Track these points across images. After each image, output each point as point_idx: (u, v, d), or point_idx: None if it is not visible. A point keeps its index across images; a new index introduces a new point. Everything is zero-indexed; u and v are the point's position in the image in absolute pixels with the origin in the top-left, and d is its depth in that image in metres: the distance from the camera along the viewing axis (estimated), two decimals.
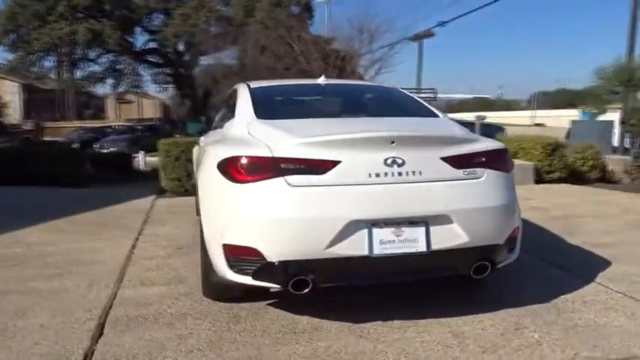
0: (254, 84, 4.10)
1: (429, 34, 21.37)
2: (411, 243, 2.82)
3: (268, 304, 3.38)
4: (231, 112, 4.10)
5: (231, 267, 2.88)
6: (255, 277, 2.83)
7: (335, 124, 3.37)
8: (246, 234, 2.80)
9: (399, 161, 2.85)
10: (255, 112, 3.44)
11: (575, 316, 3.19)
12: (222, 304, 3.40)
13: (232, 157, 2.89)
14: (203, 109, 24.50)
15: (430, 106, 3.86)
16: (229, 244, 2.85)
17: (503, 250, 3.08)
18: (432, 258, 2.86)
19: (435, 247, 2.84)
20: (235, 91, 4.17)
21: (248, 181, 2.81)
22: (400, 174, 2.85)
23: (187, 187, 8.37)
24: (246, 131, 3.23)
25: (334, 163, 2.79)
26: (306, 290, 2.80)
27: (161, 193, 8.62)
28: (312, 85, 4.23)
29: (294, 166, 2.78)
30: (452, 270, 3.03)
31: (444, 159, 2.95)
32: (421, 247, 2.83)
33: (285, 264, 2.74)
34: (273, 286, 2.84)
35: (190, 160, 8.33)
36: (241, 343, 2.85)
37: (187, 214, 6.59)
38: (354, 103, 4.17)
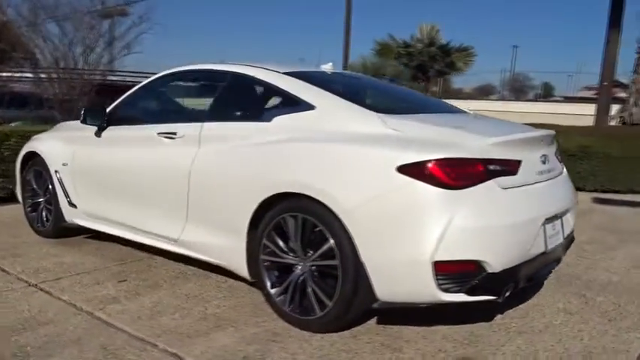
0: (282, 69, 3.39)
1: (122, 12, 19.71)
2: (559, 235, 3.01)
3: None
4: (254, 103, 3.43)
5: (440, 286, 2.50)
6: (470, 293, 2.54)
7: (471, 122, 3.21)
8: (469, 246, 2.48)
9: (547, 159, 2.98)
10: (363, 105, 2.97)
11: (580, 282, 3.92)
12: (338, 335, 2.85)
13: (439, 158, 2.49)
14: None
15: None
16: (444, 261, 2.46)
17: None
18: (561, 248, 3.12)
19: (564, 236, 3.11)
20: (248, 77, 3.40)
21: (463, 186, 2.49)
22: (549, 171, 3.00)
23: None
24: (384, 127, 2.78)
25: (519, 163, 2.74)
26: (505, 296, 2.68)
27: None
28: (340, 74, 3.76)
29: (497, 168, 2.61)
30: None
31: (555, 156, 3.22)
32: (561, 238, 3.05)
33: (505, 272, 2.57)
34: (485, 299, 2.61)
35: None
36: None
37: (25, 235, 4.76)
38: (411, 98, 3.91)
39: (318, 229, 2.75)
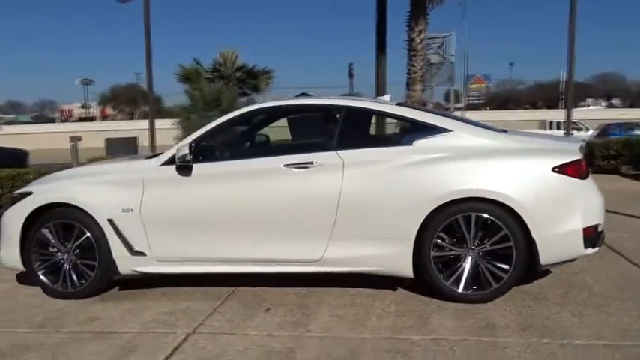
0: (389, 102, 4.08)
1: None
2: None
3: None
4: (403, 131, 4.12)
5: (584, 244, 3.72)
6: (593, 246, 3.82)
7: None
8: (594, 215, 3.80)
9: None
10: (476, 126, 4.00)
11: None
12: (501, 300, 3.78)
13: (573, 160, 3.73)
14: None
15: None
16: (586, 227, 3.71)
17: None
18: None
19: None
20: (371, 110, 4.13)
21: (586, 177, 3.79)
22: None
23: None
24: (513, 142, 3.88)
25: None
26: None
27: None
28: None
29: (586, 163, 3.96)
30: None
31: None
32: None
33: (602, 230, 3.94)
34: (594, 250, 3.89)
35: None
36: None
37: (37, 303, 4.15)
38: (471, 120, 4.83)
39: (489, 222, 3.67)
